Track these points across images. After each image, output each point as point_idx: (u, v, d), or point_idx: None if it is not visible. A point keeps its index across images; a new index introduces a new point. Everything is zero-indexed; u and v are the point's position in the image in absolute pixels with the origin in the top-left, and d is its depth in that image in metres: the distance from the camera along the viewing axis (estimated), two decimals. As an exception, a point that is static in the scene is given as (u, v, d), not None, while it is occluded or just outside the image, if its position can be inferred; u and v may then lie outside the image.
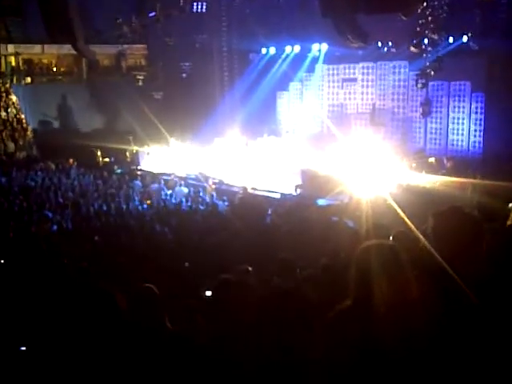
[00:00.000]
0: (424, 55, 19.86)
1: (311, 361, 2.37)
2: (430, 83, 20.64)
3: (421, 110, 21.10)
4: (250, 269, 5.61)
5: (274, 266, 6.16)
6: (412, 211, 6.46)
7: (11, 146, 23.96)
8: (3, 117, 25.18)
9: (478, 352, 2.19)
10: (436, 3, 18.68)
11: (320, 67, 24.11)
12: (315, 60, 24.02)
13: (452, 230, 2.44)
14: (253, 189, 17.90)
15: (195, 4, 24.31)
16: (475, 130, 20.08)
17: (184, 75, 26.95)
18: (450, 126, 20.78)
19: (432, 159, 19.42)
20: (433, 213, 2.55)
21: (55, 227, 12.42)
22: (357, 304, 2.45)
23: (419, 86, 20.51)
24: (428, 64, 19.85)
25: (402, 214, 6.26)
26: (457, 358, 2.18)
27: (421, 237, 3.14)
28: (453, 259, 2.34)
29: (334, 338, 2.44)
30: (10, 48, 28.27)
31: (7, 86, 26.82)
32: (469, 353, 2.20)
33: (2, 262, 10.02)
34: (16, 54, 28.50)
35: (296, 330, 2.42)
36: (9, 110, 25.56)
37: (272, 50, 24.84)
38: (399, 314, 2.29)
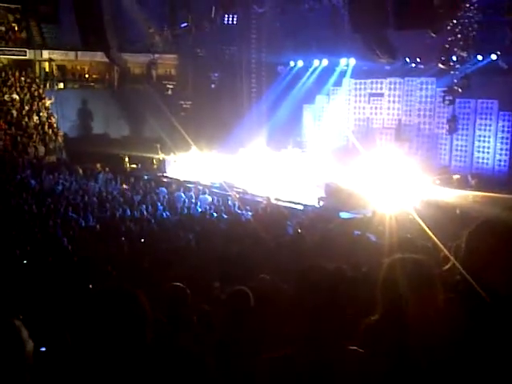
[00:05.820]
0: (452, 72, 19.82)
1: (346, 374, 2.41)
2: (457, 100, 20.54)
3: (447, 126, 20.98)
4: (268, 278, 5.65)
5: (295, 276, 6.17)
6: (436, 226, 6.48)
7: (42, 149, 24.39)
8: (35, 121, 25.74)
9: (505, 365, 2.17)
10: (466, 21, 18.67)
11: (347, 81, 24.17)
12: (343, 74, 24.07)
13: (486, 244, 2.36)
14: (276, 199, 18.00)
15: (226, 16, 24.62)
16: (501, 149, 19.89)
17: (213, 86, 27.22)
18: (476, 143, 20.61)
19: (457, 176, 19.32)
20: (469, 228, 2.53)
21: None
22: (384, 318, 2.45)
23: (446, 102, 20.46)
24: (456, 81, 19.80)
25: (427, 229, 6.27)
26: (486, 373, 2.17)
27: (446, 252, 3.14)
28: (485, 273, 2.33)
29: (365, 352, 2.46)
30: (45, 54, 29.06)
31: (40, 90, 27.49)
32: (496, 366, 2.20)
33: (26, 262, 10.34)
34: (50, 60, 29.22)
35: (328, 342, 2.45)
36: (41, 114, 26.13)
37: (300, 63, 24.96)
38: (427, 327, 2.30)
